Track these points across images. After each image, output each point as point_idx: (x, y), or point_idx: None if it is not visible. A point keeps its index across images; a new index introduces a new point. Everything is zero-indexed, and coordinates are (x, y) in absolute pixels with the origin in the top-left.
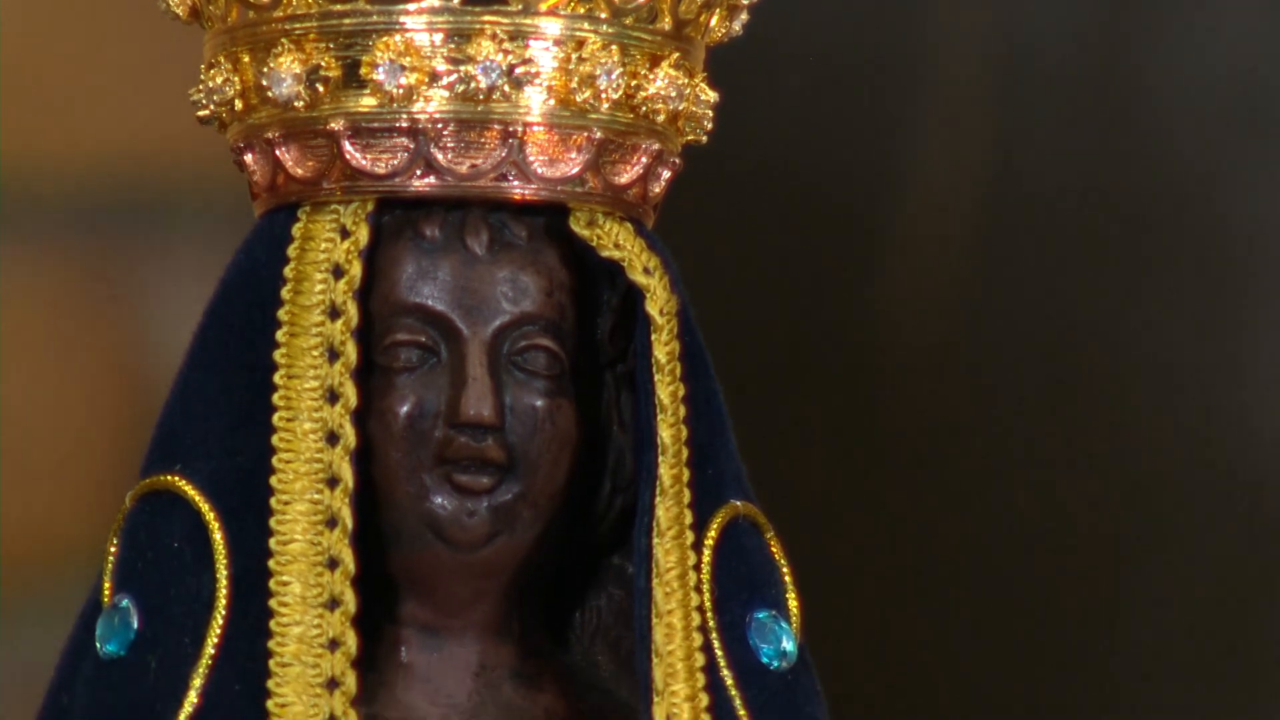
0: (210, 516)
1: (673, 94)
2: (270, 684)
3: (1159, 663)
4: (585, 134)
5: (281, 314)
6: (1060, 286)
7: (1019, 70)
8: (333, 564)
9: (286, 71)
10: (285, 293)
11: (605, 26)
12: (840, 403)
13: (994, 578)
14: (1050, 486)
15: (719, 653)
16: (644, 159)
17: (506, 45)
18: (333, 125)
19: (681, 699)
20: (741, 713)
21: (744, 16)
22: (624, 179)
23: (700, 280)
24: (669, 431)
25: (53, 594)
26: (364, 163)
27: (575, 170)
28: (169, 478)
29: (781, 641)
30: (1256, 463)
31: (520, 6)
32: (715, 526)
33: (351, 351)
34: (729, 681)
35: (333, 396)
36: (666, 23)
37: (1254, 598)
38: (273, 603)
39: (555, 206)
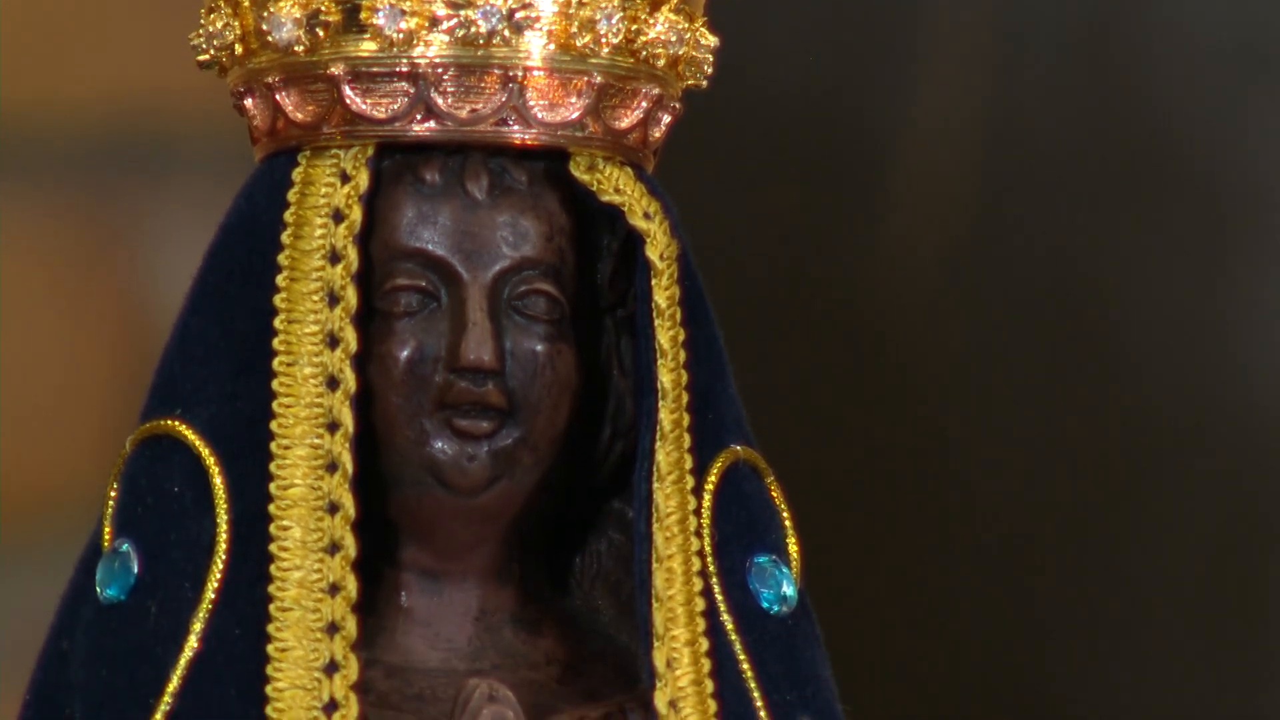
0: (210, 461)
1: (673, 39)
2: (270, 628)
3: (1161, 603)
4: (585, 79)
5: (281, 259)
6: (1060, 230)
7: (1020, 15)
8: (333, 509)
9: (286, 16)
10: (285, 237)
11: None
12: (840, 348)
13: (995, 520)
14: (1051, 429)
15: (719, 597)
16: (644, 104)
17: None
18: (333, 70)
19: (681, 643)
20: (741, 657)
21: None
22: (624, 124)
23: (700, 225)
24: (669, 376)
25: (52, 539)
26: (364, 107)
27: (575, 115)
28: (169, 422)
29: (782, 586)
30: (1257, 408)
31: None
32: (715, 471)
33: (352, 296)
34: (729, 626)
35: (333, 341)
36: None
37: (1256, 540)
38: (273, 547)
39: (555, 151)
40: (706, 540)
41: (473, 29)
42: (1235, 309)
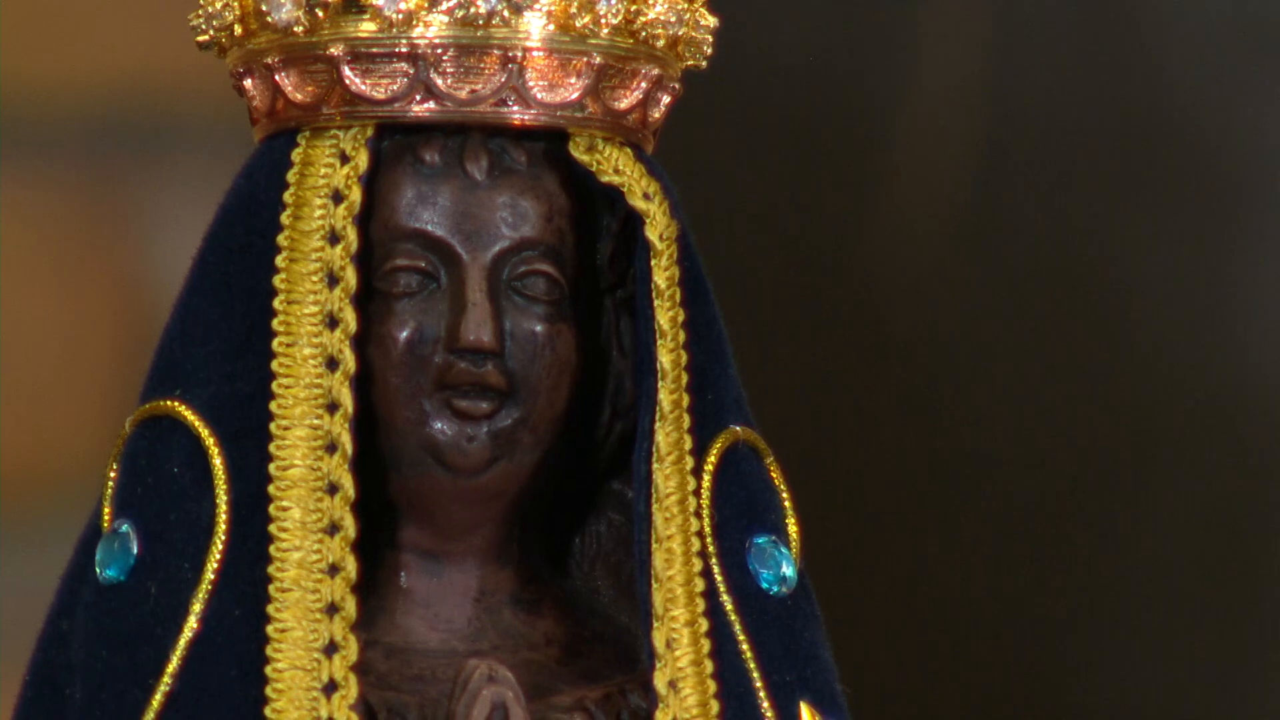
0: (210, 441)
1: (672, 19)
2: (270, 609)
3: (1161, 585)
4: (584, 59)
5: (281, 239)
6: (1061, 207)
7: None
8: (332, 489)
9: None
10: (285, 218)
11: None
12: (839, 329)
13: (994, 500)
14: (1049, 407)
15: (719, 578)
16: (643, 84)
17: None
18: (332, 51)
19: (681, 624)
20: (741, 637)
21: None
22: (623, 104)
23: (700, 205)
24: (669, 357)
25: (52, 520)
26: (363, 88)
27: (575, 95)
28: (169, 403)
29: (781, 566)
30: (1259, 388)
31: None
32: (715, 451)
33: (351, 276)
34: (728, 606)
35: (332, 321)
36: None
37: (1257, 522)
38: (272, 528)
39: (555, 132)
40: (706, 521)
41: (472, 9)
42: (1237, 288)
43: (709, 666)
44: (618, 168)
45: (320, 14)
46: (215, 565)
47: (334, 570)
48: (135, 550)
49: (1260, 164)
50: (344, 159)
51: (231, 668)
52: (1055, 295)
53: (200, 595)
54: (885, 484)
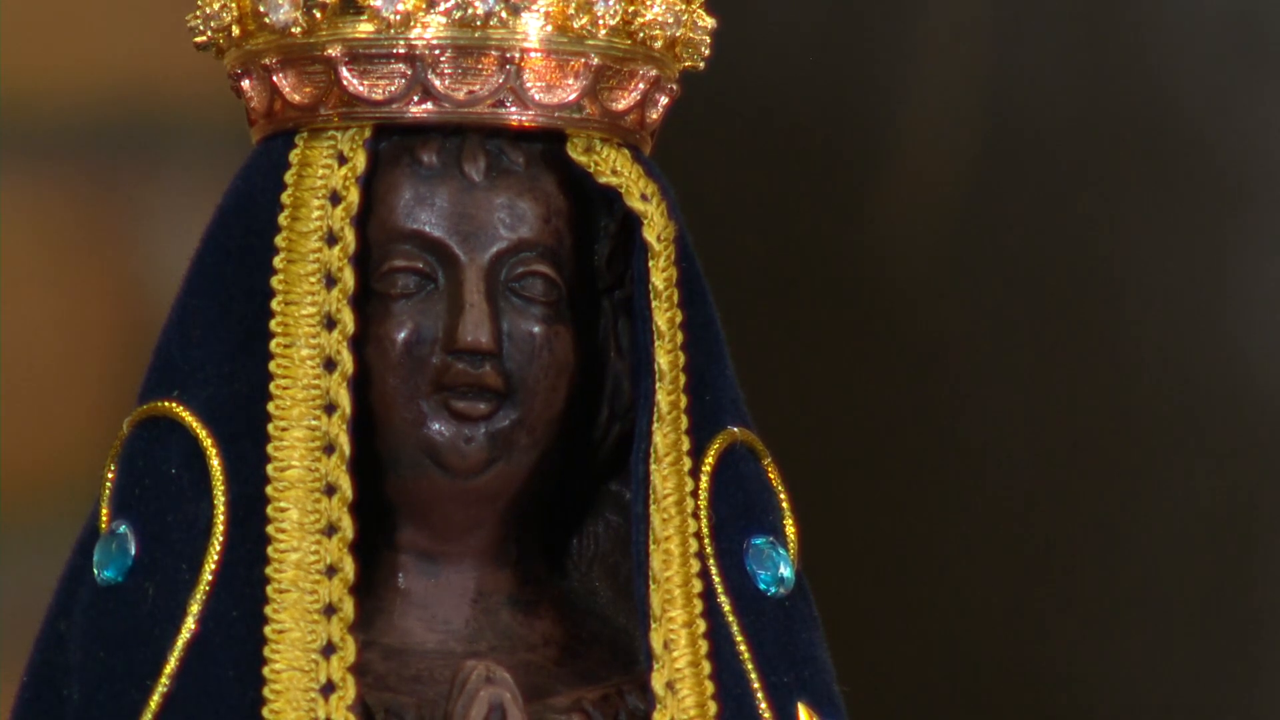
0: (208, 443)
1: (670, 20)
2: (268, 610)
3: (1157, 583)
4: (582, 60)
5: (279, 240)
6: (1055, 212)
7: None
8: (330, 490)
9: None
10: (283, 219)
11: None
12: (837, 331)
13: (991, 500)
14: (1048, 408)
15: (716, 579)
16: (641, 85)
17: None
18: (330, 52)
19: (679, 625)
20: (739, 638)
21: None
22: (621, 105)
23: (698, 206)
24: (666, 358)
25: (50, 521)
26: (361, 89)
27: (572, 96)
28: (167, 404)
29: (779, 568)
30: (1255, 389)
31: None
32: (713, 453)
33: (349, 277)
34: (726, 608)
35: (330, 323)
36: None
37: (1252, 521)
38: (270, 529)
39: (553, 133)
40: (704, 522)
41: (470, 10)
42: (1234, 289)
43: (707, 668)
44: (615, 169)
45: (318, 15)
46: (213, 566)
47: (332, 571)
48: (133, 551)
49: (1260, 164)
50: (342, 160)
51: (229, 669)
52: (1055, 294)
53: (198, 596)
54: (883, 485)
